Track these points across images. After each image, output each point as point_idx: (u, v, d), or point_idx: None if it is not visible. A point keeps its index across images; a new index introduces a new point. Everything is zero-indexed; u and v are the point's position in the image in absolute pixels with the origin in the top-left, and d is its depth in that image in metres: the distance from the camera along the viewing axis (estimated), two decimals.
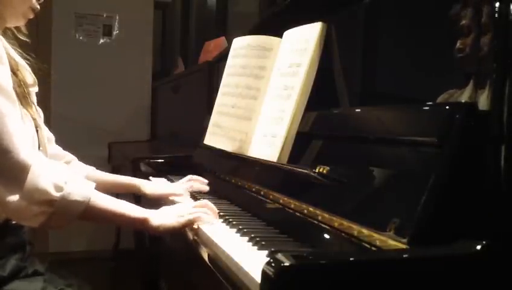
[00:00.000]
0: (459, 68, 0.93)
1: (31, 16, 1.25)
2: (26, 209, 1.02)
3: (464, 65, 0.91)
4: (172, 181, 1.76)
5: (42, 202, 1.02)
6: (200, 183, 1.58)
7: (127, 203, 1.15)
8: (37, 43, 1.29)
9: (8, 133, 1.02)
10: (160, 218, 1.12)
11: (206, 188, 1.57)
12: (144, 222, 1.11)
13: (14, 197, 1.01)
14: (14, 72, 1.16)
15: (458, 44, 0.91)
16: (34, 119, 1.21)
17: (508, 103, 0.70)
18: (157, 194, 1.49)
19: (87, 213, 1.07)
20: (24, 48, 1.28)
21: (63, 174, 1.07)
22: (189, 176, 1.60)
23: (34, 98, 1.29)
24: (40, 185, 1.02)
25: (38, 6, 1.24)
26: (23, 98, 1.18)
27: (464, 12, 0.89)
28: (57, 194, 1.03)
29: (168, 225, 1.11)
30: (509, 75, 0.71)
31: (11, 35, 1.25)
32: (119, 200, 1.13)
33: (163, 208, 1.18)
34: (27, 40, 1.30)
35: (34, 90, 1.29)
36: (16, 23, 1.24)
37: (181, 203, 1.32)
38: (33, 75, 1.27)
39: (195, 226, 1.12)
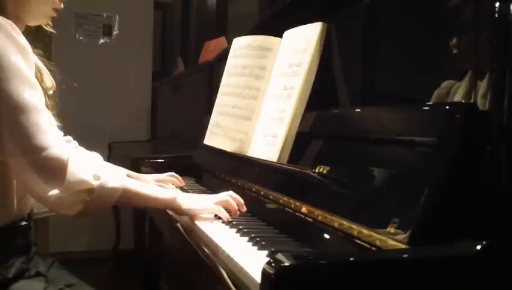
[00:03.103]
0: (454, 65, 0.93)
1: (54, 15, 1.26)
2: (66, 200, 1.05)
3: (459, 62, 0.91)
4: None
5: (82, 192, 1.06)
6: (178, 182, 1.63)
7: (155, 186, 1.26)
8: (37, 43, 1.29)
9: (43, 130, 1.04)
10: (187, 199, 1.19)
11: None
12: (172, 202, 1.18)
13: (56, 191, 1.04)
14: (35, 75, 1.17)
15: (455, 40, 0.90)
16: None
17: (508, 102, 0.70)
18: (153, 180, 1.54)
19: (123, 198, 1.12)
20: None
21: (98, 163, 1.13)
22: (171, 173, 1.65)
23: (52, 101, 1.30)
24: (80, 176, 1.05)
25: (62, 5, 1.25)
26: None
27: (463, 9, 0.89)
28: (96, 183, 1.07)
29: (194, 206, 1.18)
30: (509, 75, 0.71)
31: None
32: (147, 184, 1.23)
33: (191, 194, 1.27)
34: (53, 31, 1.31)
35: (51, 92, 1.30)
36: (37, 23, 1.25)
37: (208, 195, 1.35)
38: (52, 78, 1.29)
39: (198, 229, 1.14)
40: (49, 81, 1.28)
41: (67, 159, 1.05)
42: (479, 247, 0.67)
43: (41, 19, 1.24)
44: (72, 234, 3.51)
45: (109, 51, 3.72)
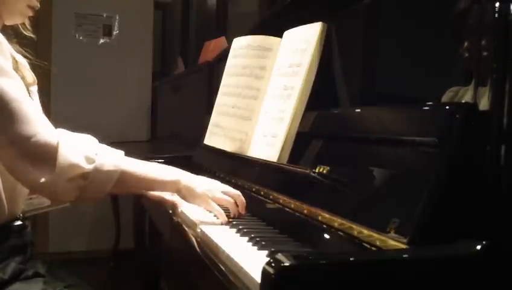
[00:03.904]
0: (464, 67, 0.93)
1: (30, 14, 1.22)
2: (61, 187, 1.02)
3: (468, 65, 0.91)
4: None
5: (76, 177, 1.03)
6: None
7: (158, 165, 1.17)
8: (37, 43, 1.29)
9: (27, 117, 1.01)
10: (193, 181, 1.13)
11: None
12: (177, 183, 1.12)
13: (48, 178, 1.01)
14: (14, 69, 1.16)
15: (466, 44, 0.90)
16: None
17: (508, 103, 0.70)
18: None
19: (120, 181, 1.07)
20: (25, 47, 1.28)
21: (92, 146, 1.08)
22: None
23: (36, 97, 1.29)
24: (72, 160, 1.02)
25: (38, 4, 1.21)
26: None
27: (463, 9, 0.89)
28: (89, 166, 1.03)
29: (199, 192, 1.12)
30: (509, 75, 0.71)
31: (12, 33, 1.24)
32: (149, 163, 1.15)
33: (196, 176, 1.17)
34: (32, 35, 1.28)
35: (34, 88, 1.28)
36: (13, 21, 1.22)
37: (215, 181, 1.25)
38: (33, 74, 1.27)
39: (198, 229, 1.10)
40: (30, 76, 1.24)
41: (57, 144, 1.02)
42: (479, 247, 0.67)
43: (17, 17, 1.20)
44: (72, 233, 3.51)
45: (109, 51, 3.72)
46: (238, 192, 1.17)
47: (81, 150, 1.04)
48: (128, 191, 1.22)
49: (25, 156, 1.01)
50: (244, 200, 1.17)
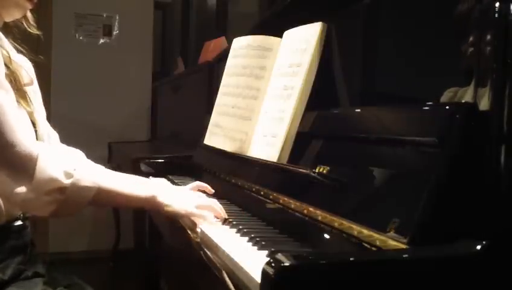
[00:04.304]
0: (465, 67, 0.93)
1: (29, 7, 1.18)
2: (37, 200, 1.01)
3: (469, 65, 0.91)
4: (172, 181, 1.76)
5: (53, 191, 1.02)
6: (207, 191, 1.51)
7: (136, 182, 1.16)
8: (37, 43, 1.29)
9: (9, 126, 1.00)
10: (168, 198, 1.13)
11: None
12: (152, 200, 1.12)
13: (24, 189, 1.00)
14: (7, 64, 1.13)
15: (466, 44, 0.90)
16: (30, 113, 1.19)
17: (508, 103, 0.70)
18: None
19: (98, 198, 1.07)
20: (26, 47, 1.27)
21: (71, 160, 1.07)
22: (197, 183, 1.53)
23: (36, 95, 1.28)
24: (50, 173, 1.01)
25: None
26: (16, 90, 1.15)
27: (463, 9, 0.89)
28: (67, 181, 1.02)
29: (175, 208, 1.12)
30: (509, 75, 0.71)
31: (13, 32, 1.22)
32: (129, 179, 1.14)
33: (173, 187, 1.18)
34: (37, 32, 1.26)
35: (32, 88, 1.28)
36: (12, 16, 1.18)
37: (192, 192, 1.29)
38: (29, 74, 1.25)
39: (198, 229, 1.11)
40: (27, 77, 1.23)
41: (37, 156, 1.01)
42: (479, 247, 0.67)
43: (14, 10, 1.16)
44: (72, 234, 3.51)
45: (109, 51, 3.72)
46: (211, 202, 1.17)
47: (60, 164, 1.03)
48: (105, 206, 1.23)
49: (2, 165, 1.01)
50: (220, 206, 1.18)
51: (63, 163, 1.04)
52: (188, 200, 1.16)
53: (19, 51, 1.24)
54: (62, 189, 1.02)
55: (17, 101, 1.14)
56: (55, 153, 1.07)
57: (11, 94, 1.07)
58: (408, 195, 0.77)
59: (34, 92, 1.26)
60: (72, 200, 1.03)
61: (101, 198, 1.08)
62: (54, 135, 1.34)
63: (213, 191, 1.48)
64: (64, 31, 3.60)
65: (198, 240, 1.09)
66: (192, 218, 1.15)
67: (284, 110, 1.28)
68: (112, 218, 3.43)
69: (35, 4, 1.18)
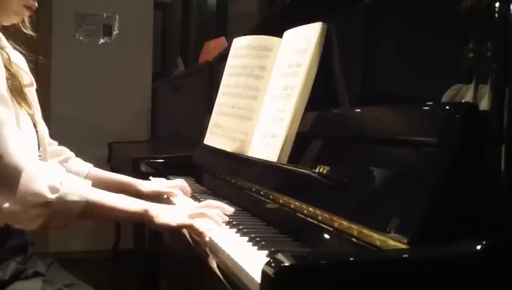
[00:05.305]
0: (465, 67, 0.93)
1: (27, 14, 1.20)
2: (21, 213, 1.01)
3: (469, 64, 0.91)
4: None
5: (38, 205, 1.01)
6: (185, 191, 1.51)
7: (126, 197, 1.14)
8: (37, 43, 1.29)
9: (1, 137, 1.01)
10: (159, 212, 1.11)
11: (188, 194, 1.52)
12: (143, 215, 1.10)
13: (8, 202, 1.00)
14: (7, 66, 1.14)
15: (467, 44, 0.90)
16: (31, 115, 1.19)
17: (508, 103, 0.70)
18: (152, 190, 1.44)
19: (86, 212, 1.06)
20: (25, 47, 1.27)
21: (57, 175, 1.06)
22: (178, 182, 1.55)
23: (34, 97, 1.28)
24: (34, 188, 1.00)
25: (35, 4, 1.19)
26: (16, 91, 1.15)
27: (463, 9, 0.89)
28: (52, 196, 1.02)
29: (166, 221, 1.09)
30: (510, 75, 0.71)
31: (11, 32, 1.22)
32: (117, 195, 1.12)
33: (164, 205, 1.17)
34: (31, 33, 1.26)
35: (32, 89, 1.28)
36: (9, 22, 1.20)
37: (184, 204, 1.30)
38: (30, 75, 1.26)
39: (206, 239, 1.06)
40: (28, 78, 1.24)
41: (22, 169, 1.00)
42: (479, 247, 0.67)
43: (12, 17, 1.18)
44: (72, 234, 3.51)
45: (109, 51, 3.72)
46: (202, 211, 1.13)
47: (46, 179, 1.03)
48: (98, 219, 1.21)
49: None
50: (216, 211, 1.14)
51: (49, 177, 1.03)
52: (179, 212, 1.13)
53: (15, 49, 1.24)
54: (47, 203, 1.02)
55: (19, 104, 1.15)
56: (43, 167, 1.06)
57: (11, 110, 1.07)
58: (408, 195, 0.77)
59: (31, 93, 1.27)
60: (59, 214, 1.03)
61: (91, 212, 1.08)
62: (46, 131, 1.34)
63: (190, 192, 1.50)
64: (64, 31, 3.60)
65: (198, 240, 1.08)
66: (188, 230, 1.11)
67: (284, 110, 1.28)
68: None
69: (33, 11, 1.20)
